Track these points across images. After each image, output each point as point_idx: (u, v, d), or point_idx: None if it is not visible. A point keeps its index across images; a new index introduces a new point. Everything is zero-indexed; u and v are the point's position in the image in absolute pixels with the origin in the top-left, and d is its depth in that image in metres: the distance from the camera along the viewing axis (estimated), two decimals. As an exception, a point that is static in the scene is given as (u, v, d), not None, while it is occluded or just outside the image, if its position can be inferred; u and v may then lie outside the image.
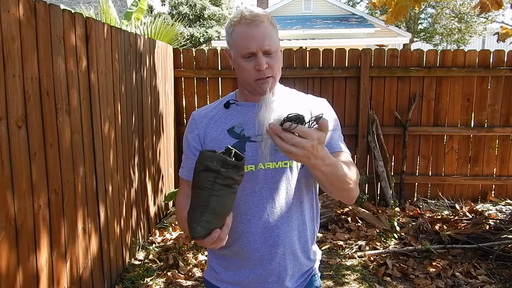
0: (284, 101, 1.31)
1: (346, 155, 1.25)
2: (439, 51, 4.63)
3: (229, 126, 1.27)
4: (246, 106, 1.29)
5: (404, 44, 15.55)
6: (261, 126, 1.18)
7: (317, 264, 1.42)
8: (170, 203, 4.57)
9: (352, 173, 1.15)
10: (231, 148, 1.05)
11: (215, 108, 1.34)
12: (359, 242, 3.76)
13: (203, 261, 3.40)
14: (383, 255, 3.52)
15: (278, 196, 1.24)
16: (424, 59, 4.62)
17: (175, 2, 17.42)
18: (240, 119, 1.27)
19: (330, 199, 4.24)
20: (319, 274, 1.44)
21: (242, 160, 1.04)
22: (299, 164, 1.25)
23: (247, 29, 1.17)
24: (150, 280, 3.15)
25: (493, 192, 4.80)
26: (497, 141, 4.73)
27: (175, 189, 4.56)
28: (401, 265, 3.35)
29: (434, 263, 3.34)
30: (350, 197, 1.20)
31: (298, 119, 0.96)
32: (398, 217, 4.28)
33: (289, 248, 1.28)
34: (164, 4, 18.43)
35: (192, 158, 1.30)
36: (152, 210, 3.95)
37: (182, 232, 3.81)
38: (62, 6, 2.42)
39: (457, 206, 4.52)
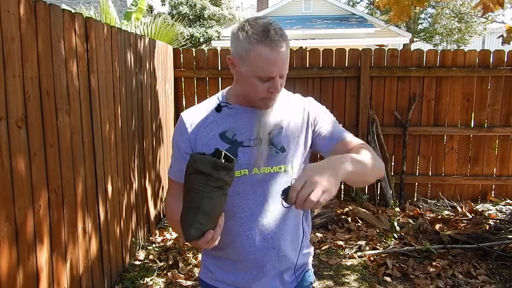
0: (279, 105, 1.30)
1: (350, 137, 1.27)
2: (439, 51, 4.63)
3: (221, 131, 1.25)
4: (238, 109, 1.27)
5: (404, 44, 15.55)
6: (257, 136, 1.21)
7: (310, 260, 1.44)
8: (170, 203, 4.57)
9: (366, 156, 1.15)
10: (221, 150, 1.06)
11: (206, 110, 1.31)
12: (359, 242, 3.76)
13: (203, 261, 3.40)
14: (383, 255, 3.52)
15: (272, 199, 1.25)
16: (424, 59, 4.62)
17: (175, 2, 17.41)
18: (232, 123, 1.26)
19: (330, 199, 4.23)
20: (312, 270, 1.45)
21: (232, 162, 1.05)
22: (294, 168, 1.27)
23: (270, 53, 1.11)
24: (150, 280, 3.15)
25: (493, 192, 4.79)
26: (497, 141, 4.73)
27: (175, 189, 4.56)
28: (401, 265, 3.35)
29: (434, 263, 3.34)
30: (378, 175, 1.20)
31: (286, 190, 1.03)
32: (398, 217, 4.28)
33: (283, 251, 1.29)
34: (164, 4, 18.41)
35: (182, 161, 1.28)
36: (152, 210, 3.95)
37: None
38: (63, 6, 2.42)
39: (457, 206, 4.51)
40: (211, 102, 1.33)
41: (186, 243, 3.68)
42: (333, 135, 1.27)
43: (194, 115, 1.31)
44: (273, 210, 1.25)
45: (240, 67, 1.18)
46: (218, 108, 1.29)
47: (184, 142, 1.28)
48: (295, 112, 1.30)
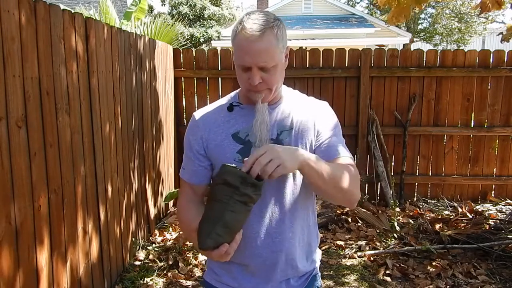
0: (288, 105, 1.29)
1: (344, 159, 1.24)
2: (439, 51, 4.63)
3: (234, 131, 1.24)
4: (249, 109, 1.25)
5: (404, 44, 15.56)
6: (255, 135, 1.19)
7: (317, 264, 1.42)
8: (170, 203, 4.57)
9: (344, 174, 1.15)
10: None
11: (218, 110, 1.30)
12: (359, 242, 3.76)
13: (203, 261, 3.40)
14: (383, 255, 3.52)
15: (281, 202, 1.23)
16: (424, 59, 4.62)
17: (175, 2, 17.41)
18: (244, 123, 1.24)
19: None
20: (319, 274, 1.43)
21: (262, 180, 1.05)
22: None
23: (245, 42, 1.12)
24: (150, 280, 3.15)
25: (493, 192, 4.79)
26: (497, 141, 4.73)
27: (175, 189, 4.56)
28: (401, 265, 3.35)
29: (434, 263, 3.34)
30: (347, 199, 1.20)
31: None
32: (398, 217, 4.28)
33: (292, 254, 1.27)
34: (164, 4, 18.42)
35: (195, 160, 1.28)
36: (152, 210, 3.95)
37: (182, 232, 3.80)
38: (62, 6, 2.43)
39: (457, 206, 4.51)
40: (223, 101, 1.32)
41: (186, 243, 3.68)
42: (330, 151, 1.24)
43: (206, 114, 1.30)
44: (282, 213, 1.24)
45: (234, 56, 1.21)
46: (230, 108, 1.27)
47: (197, 142, 1.27)
48: (307, 115, 1.28)
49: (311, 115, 1.28)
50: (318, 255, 1.42)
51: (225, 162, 1.21)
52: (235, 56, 1.17)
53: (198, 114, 1.32)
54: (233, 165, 1.06)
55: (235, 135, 1.24)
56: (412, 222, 4.15)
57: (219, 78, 4.74)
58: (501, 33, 4.27)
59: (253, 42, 1.11)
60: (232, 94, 1.34)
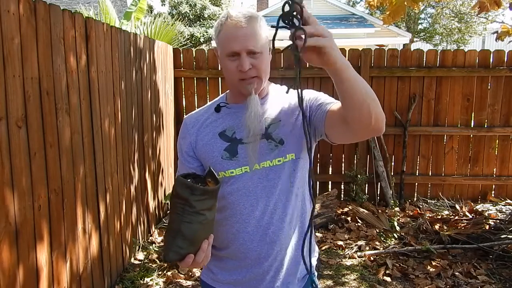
0: (275, 99, 1.31)
1: None
2: (439, 51, 4.63)
3: (220, 130, 1.27)
4: (236, 108, 1.28)
5: (404, 44, 15.56)
6: (248, 128, 1.20)
7: (314, 262, 1.40)
8: (170, 203, 4.57)
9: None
10: (212, 170, 1.07)
11: (206, 112, 1.34)
12: (359, 242, 3.76)
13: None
14: (383, 255, 3.52)
15: (273, 193, 1.24)
16: (424, 59, 4.62)
17: (175, 2, 17.42)
18: (231, 122, 1.27)
19: (330, 199, 4.23)
20: (316, 274, 1.42)
21: (217, 185, 1.04)
22: (293, 159, 1.23)
23: (232, 29, 1.16)
24: (150, 280, 3.15)
25: (493, 192, 4.79)
26: (497, 141, 4.73)
27: (175, 189, 4.56)
28: (401, 265, 3.35)
29: (434, 263, 3.34)
30: (381, 118, 1.03)
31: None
32: (398, 217, 4.28)
33: (286, 244, 1.27)
34: (164, 4, 18.43)
35: (185, 164, 1.31)
36: (152, 210, 3.95)
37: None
38: (62, 7, 2.43)
39: (457, 206, 4.51)
40: (212, 104, 1.36)
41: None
42: (326, 102, 1.20)
43: (195, 117, 1.34)
44: (274, 204, 1.24)
45: (218, 53, 1.24)
46: (218, 108, 1.31)
47: (186, 145, 1.31)
48: (292, 103, 1.29)
49: (295, 101, 1.27)
50: (315, 251, 1.41)
51: (213, 160, 1.23)
52: (222, 48, 1.19)
53: (187, 118, 1.36)
54: (193, 172, 1.10)
55: (222, 133, 1.26)
56: (412, 222, 4.15)
57: (219, 78, 4.74)
58: (496, 32, 4.31)
59: (241, 28, 1.15)
60: (220, 97, 1.37)
